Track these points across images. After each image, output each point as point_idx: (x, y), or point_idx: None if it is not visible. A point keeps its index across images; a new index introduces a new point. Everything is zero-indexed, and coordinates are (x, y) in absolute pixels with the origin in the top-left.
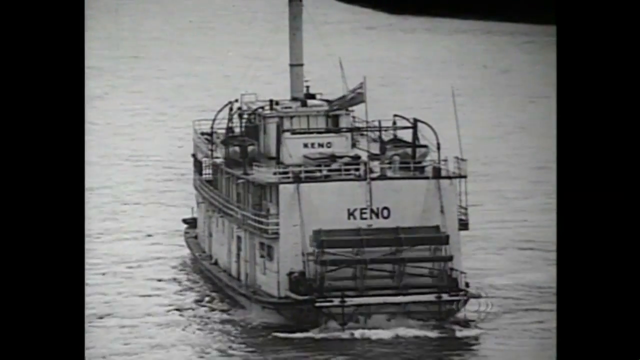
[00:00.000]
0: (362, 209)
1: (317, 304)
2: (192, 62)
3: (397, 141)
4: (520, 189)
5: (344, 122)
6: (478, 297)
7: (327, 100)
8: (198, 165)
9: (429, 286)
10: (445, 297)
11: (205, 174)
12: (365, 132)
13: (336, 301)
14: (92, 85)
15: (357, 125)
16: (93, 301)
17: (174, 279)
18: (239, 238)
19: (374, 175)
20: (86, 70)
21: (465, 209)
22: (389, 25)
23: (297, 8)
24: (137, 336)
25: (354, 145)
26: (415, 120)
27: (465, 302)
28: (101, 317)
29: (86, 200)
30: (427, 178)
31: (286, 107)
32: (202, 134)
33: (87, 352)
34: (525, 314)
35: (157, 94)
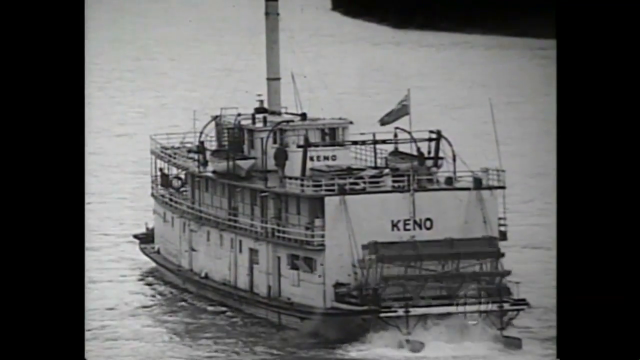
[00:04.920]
0: (405, 220)
1: (382, 315)
2: (191, 63)
3: (400, 153)
4: (520, 193)
5: (347, 135)
6: (529, 305)
7: (292, 114)
8: (165, 180)
9: (485, 296)
10: (506, 306)
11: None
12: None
13: (400, 311)
14: (92, 83)
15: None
16: (94, 297)
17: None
18: (252, 251)
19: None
20: (86, 70)
21: (504, 219)
22: (391, 38)
23: (274, 22)
24: (154, 328)
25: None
26: (439, 133)
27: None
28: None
29: (86, 195)
30: (468, 189)
31: (288, 121)
32: (174, 148)
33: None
34: (525, 315)
35: (157, 93)
